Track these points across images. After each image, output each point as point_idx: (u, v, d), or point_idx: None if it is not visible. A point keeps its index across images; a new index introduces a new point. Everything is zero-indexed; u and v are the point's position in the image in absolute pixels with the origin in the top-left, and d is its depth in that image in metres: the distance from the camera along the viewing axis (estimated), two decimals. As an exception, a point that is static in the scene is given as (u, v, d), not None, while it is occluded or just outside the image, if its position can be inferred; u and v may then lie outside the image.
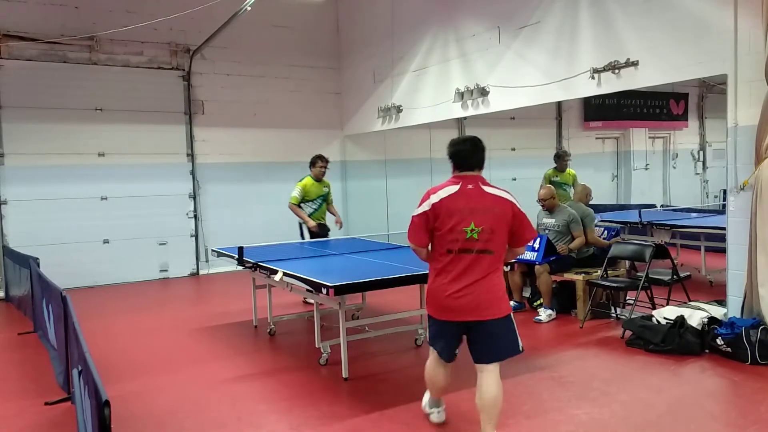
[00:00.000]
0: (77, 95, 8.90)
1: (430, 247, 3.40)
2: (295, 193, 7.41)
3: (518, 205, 3.32)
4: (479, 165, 3.40)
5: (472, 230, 3.20)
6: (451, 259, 3.25)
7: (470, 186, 3.29)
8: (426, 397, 3.80)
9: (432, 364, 3.55)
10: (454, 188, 3.29)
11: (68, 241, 8.86)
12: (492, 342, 3.29)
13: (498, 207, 3.26)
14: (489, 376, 3.28)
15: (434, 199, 3.27)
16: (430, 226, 3.29)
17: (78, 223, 8.95)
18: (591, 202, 7.17)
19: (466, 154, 3.38)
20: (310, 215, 7.39)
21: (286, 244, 7.02)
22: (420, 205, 3.32)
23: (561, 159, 9.24)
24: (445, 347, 3.42)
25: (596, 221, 6.91)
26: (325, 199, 7.56)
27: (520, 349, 3.37)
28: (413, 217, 3.34)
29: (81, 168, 8.99)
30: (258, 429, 3.81)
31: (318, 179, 7.47)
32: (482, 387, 3.29)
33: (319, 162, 7.45)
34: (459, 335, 3.38)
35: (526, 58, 7.06)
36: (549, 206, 6.58)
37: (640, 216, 8.16)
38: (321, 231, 7.43)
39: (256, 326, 6.28)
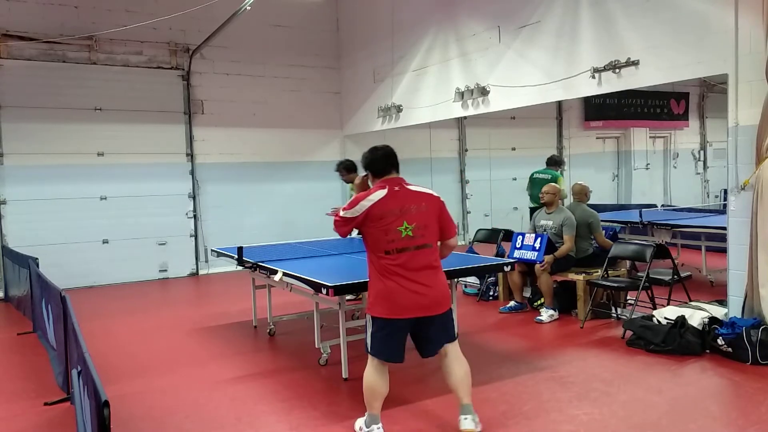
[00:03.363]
0: (76, 95, 8.89)
1: (366, 249, 3.56)
2: None
3: (442, 200, 3.60)
4: (395, 167, 3.62)
5: (405, 228, 3.41)
6: (392, 259, 3.41)
7: (396, 188, 3.50)
8: (361, 420, 3.62)
9: (374, 371, 3.50)
10: (383, 192, 3.47)
11: (67, 241, 8.86)
12: (441, 331, 3.52)
13: (425, 202, 3.50)
14: (453, 355, 3.53)
15: (366, 204, 3.43)
16: (360, 225, 3.48)
17: (77, 223, 8.95)
18: (592, 202, 7.15)
19: (381, 161, 3.59)
20: None
21: (285, 244, 7.01)
22: (349, 209, 3.48)
23: (561, 165, 9.46)
24: (395, 349, 3.48)
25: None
26: None
27: (456, 335, 3.63)
28: (340, 217, 3.51)
29: (80, 168, 8.98)
30: (257, 429, 3.80)
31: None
32: (451, 368, 3.52)
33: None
34: (407, 332, 3.50)
35: (526, 57, 7.05)
36: (548, 201, 6.51)
37: (640, 216, 8.14)
38: None
39: (255, 326, 6.27)
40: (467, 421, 3.47)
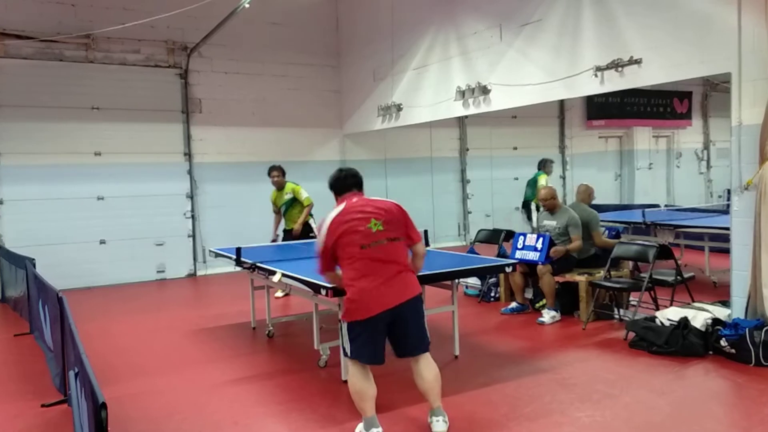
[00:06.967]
0: (74, 94, 8.85)
1: (339, 269, 3.61)
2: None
3: (403, 208, 3.68)
4: (358, 186, 3.78)
5: (375, 224, 3.50)
6: (366, 254, 3.47)
7: (354, 199, 3.66)
8: (360, 425, 3.56)
9: (359, 374, 3.54)
10: (341, 206, 3.62)
11: (65, 242, 8.81)
12: (417, 328, 3.56)
13: (386, 205, 3.62)
14: (423, 361, 3.58)
15: (327, 221, 3.56)
16: (333, 248, 3.53)
17: (74, 224, 8.90)
18: (594, 202, 7.10)
19: (342, 181, 3.77)
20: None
21: (284, 244, 6.97)
22: (318, 235, 3.61)
23: (547, 165, 10.11)
24: (374, 351, 3.54)
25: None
26: (288, 206, 7.76)
27: (428, 339, 3.66)
28: (318, 251, 3.62)
29: (77, 167, 8.94)
30: (256, 432, 3.77)
31: (277, 188, 7.82)
32: (422, 372, 3.56)
33: (272, 172, 7.80)
34: (385, 331, 3.54)
35: (528, 56, 7.01)
36: (550, 206, 6.51)
37: (643, 216, 8.10)
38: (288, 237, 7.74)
39: (254, 328, 6.23)
40: (439, 423, 3.55)
